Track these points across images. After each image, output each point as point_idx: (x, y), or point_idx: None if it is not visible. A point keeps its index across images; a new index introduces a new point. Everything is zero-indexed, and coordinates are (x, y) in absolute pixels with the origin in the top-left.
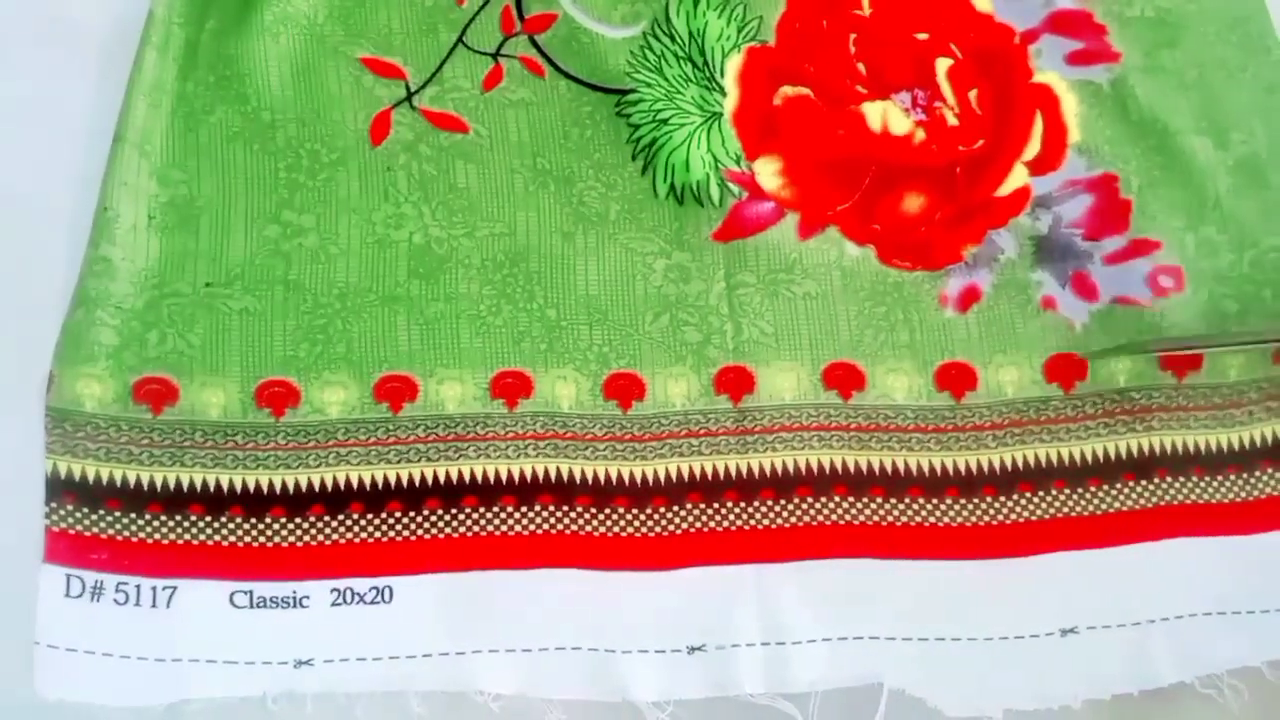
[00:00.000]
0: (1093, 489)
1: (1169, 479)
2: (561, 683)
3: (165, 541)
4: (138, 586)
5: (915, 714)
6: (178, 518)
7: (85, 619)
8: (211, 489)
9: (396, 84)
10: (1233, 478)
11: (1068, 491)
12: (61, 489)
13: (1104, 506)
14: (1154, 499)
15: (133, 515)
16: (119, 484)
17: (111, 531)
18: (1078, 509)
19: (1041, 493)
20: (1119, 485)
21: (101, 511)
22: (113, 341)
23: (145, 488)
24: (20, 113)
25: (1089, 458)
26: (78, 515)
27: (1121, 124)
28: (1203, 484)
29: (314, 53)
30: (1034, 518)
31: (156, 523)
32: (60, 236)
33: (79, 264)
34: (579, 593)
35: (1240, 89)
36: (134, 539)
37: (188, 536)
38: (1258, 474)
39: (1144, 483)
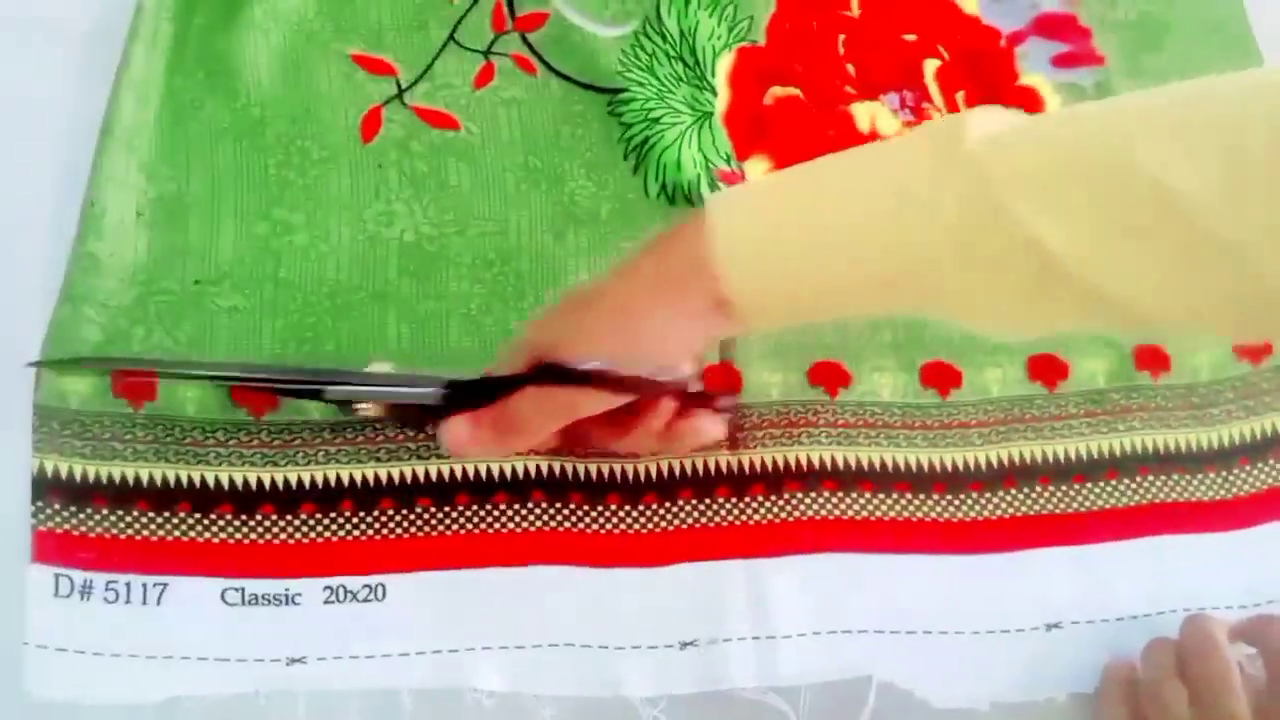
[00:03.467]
0: (1076, 486)
1: (1151, 477)
2: (554, 679)
3: (154, 539)
4: (128, 584)
5: (903, 706)
6: (166, 514)
7: (75, 618)
8: (198, 485)
9: (387, 81)
10: (1212, 475)
11: (1052, 489)
12: (48, 488)
13: (1088, 504)
14: (1136, 497)
15: (120, 513)
16: (105, 481)
17: (100, 529)
18: (1062, 506)
19: (1026, 489)
20: (1102, 483)
21: (89, 510)
22: (97, 338)
23: (132, 484)
24: (6, 108)
25: (1073, 456)
26: (65, 514)
27: None
28: (1184, 482)
29: (304, 49)
30: (1019, 514)
31: (145, 520)
32: (44, 233)
33: (64, 261)
34: (572, 589)
35: None
36: (122, 536)
37: (177, 534)
38: (1235, 471)
39: (1127, 480)
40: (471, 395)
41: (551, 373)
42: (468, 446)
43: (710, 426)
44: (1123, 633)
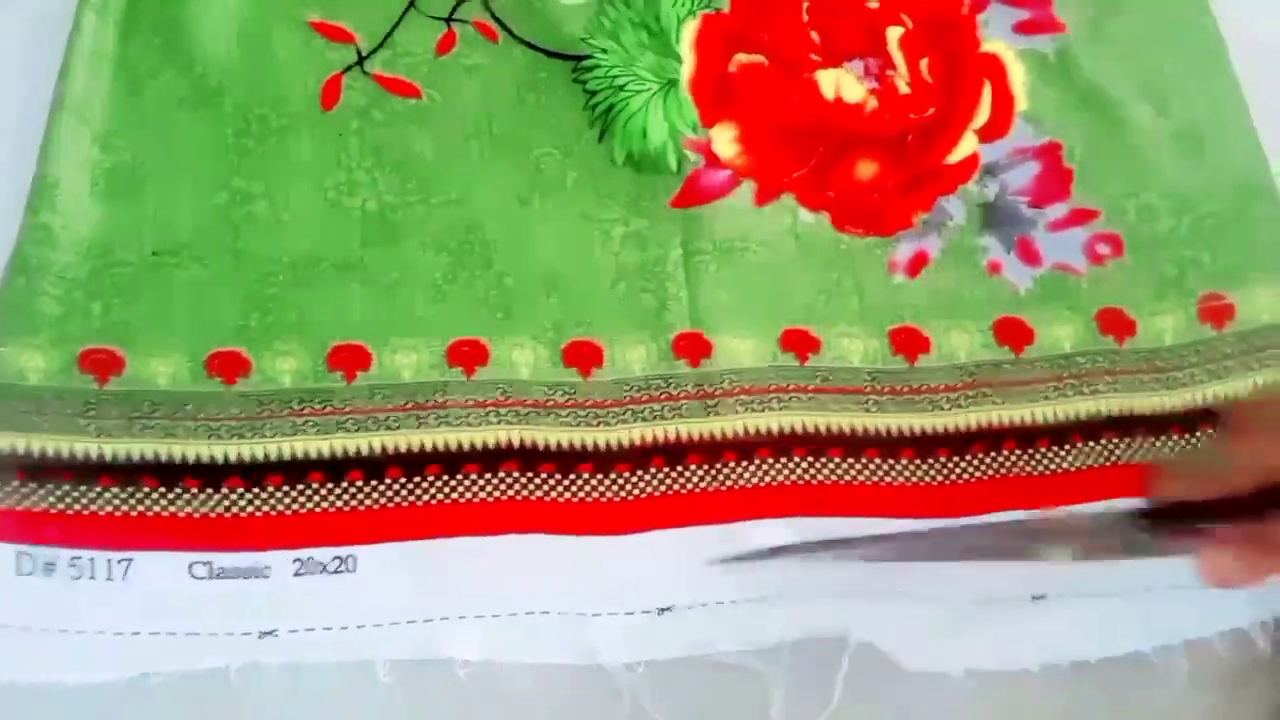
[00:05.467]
0: (1042, 450)
1: (1115, 440)
2: (530, 648)
3: (119, 514)
4: (92, 560)
5: (878, 669)
6: (130, 489)
7: (38, 596)
8: (164, 460)
9: (347, 48)
10: (1175, 438)
11: (1018, 452)
12: (7, 465)
13: (1052, 466)
14: (1100, 459)
15: (83, 488)
16: (67, 457)
17: (62, 505)
18: (1027, 469)
19: (993, 453)
20: (1067, 446)
21: (50, 485)
22: (55, 312)
23: (94, 460)
24: None
25: (1038, 419)
26: (25, 491)
27: (1066, 93)
28: (1147, 445)
29: (261, 15)
30: (985, 477)
31: (109, 495)
32: None
33: (15, 233)
34: (546, 558)
35: (1178, 58)
36: (85, 512)
37: (141, 508)
38: (1199, 434)
39: (1091, 443)
40: (1190, 519)
41: None
42: (1245, 581)
43: None
44: (1109, 607)
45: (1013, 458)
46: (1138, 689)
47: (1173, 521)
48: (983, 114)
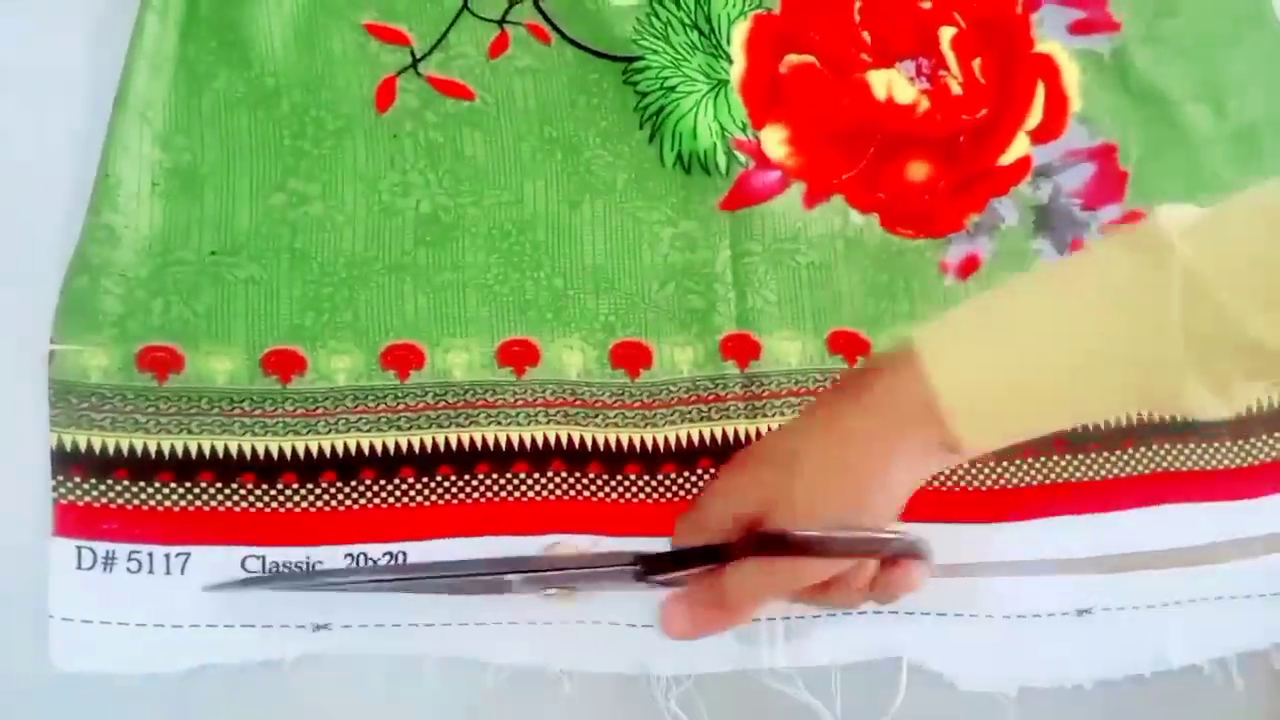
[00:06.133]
0: (1092, 454)
1: (1166, 446)
2: (577, 654)
3: (176, 509)
4: (150, 554)
5: (932, 690)
6: (188, 485)
7: (98, 590)
8: (221, 456)
9: (401, 50)
10: (1228, 445)
11: (1068, 457)
12: (68, 461)
13: (1103, 472)
14: (1150, 465)
15: (142, 484)
16: (127, 453)
17: (121, 501)
18: (1077, 474)
19: (1042, 458)
20: (1118, 451)
21: (110, 481)
22: (117, 310)
23: (154, 456)
24: (17, 78)
25: (1089, 425)
26: (85, 487)
27: (1122, 93)
28: (1198, 451)
29: (317, 17)
30: (1034, 483)
31: (167, 490)
32: (59, 204)
33: (78, 231)
34: None
35: (1237, 59)
36: (144, 507)
37: (199, 503)
38: (1251, 441)
39: (1142, 449)
40: (665, 567)
41: (770, 543)
42: (690, 633)
43: (918, 574)
44: (1160, 620)
45: (1063, 463)
46: (1191, 703)
47: (659, 567)
48: (1036, 115)
